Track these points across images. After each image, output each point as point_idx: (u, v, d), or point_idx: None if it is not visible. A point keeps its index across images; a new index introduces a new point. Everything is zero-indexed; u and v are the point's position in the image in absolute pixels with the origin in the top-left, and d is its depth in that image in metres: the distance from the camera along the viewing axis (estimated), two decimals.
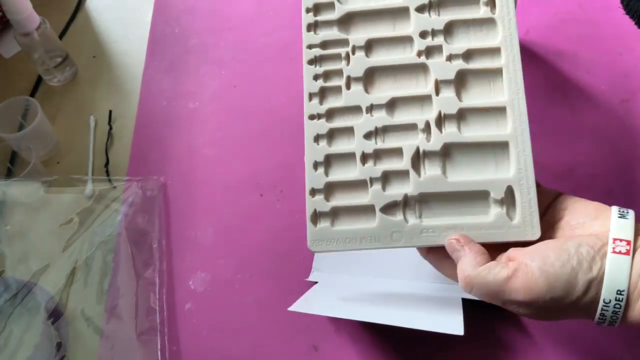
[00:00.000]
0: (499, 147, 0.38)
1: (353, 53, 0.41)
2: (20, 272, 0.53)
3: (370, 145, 0.39)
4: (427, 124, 0.39)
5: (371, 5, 0.42)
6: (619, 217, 0.33)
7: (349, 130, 0.40)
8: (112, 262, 0.54)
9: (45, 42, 0.62)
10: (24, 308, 0.52)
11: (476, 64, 0.39)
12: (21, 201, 0.57)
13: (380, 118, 0.39)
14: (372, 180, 0.39)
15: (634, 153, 0.54)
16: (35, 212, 0.57)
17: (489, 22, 0.40)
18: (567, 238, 0.34)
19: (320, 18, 0.42)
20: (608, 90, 0.58)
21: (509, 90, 0.38)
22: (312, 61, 0.41)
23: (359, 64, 0.41)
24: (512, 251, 0.35)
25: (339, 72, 0.41)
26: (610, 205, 0.35)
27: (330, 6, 0.42)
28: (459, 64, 0.39)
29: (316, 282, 0.51)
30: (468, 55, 0.40)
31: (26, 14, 0.59)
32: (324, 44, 0.41)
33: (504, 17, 0.40)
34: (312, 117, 0.40)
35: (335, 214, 0.39)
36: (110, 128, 0.63)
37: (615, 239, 0.32)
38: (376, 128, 0.39)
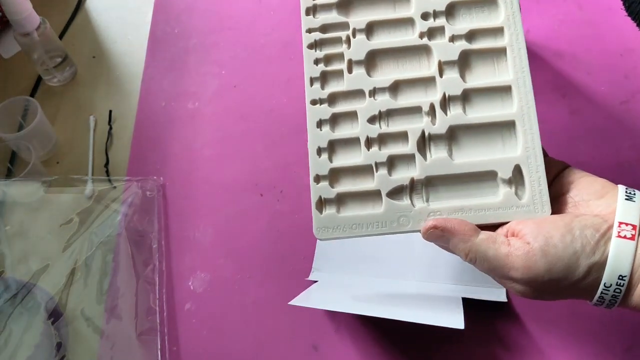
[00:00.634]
0: (506, 127, 0.38)
1: (354, 36, 0.40)
2: (20, 272, 0.53)
3: (374, 130, 0.39)
4: (432, 107, 0.38)
5: None
6: (625, 198, 0.33)
7: (352, 115, 0.39)
8: (112, 262, 0.54)
9: (45, 42, 0.62)
10: (23, 308, 0.52)
11: (479, 44, 0.39)
12: (21, 201, 0.57)
13: (384, 101, 0.39)
14: (378, 165, 0.38)
15: (634, 153, 0.54)
16: (35, 212, 0.57)
17: (490, 3, 0.40)
18: (573, 216, 0.33)
19: (318, 1, 0.41)
20: (608, 91, 0.58)
21: (513, 68, 0.38)
22: (312, 45, 0.41)
23: (360, 46, 0.40)
24: (515, 224, 0.35)
25: (340, 56, 0.40)
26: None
27: None
28: (462, 45, 0.39)
29: (316, 282, 0.51)
30: (471, 35, 0.39)
31: (26, 14, 0.58)
32: (324, 28, 0.41)
33: None
34: (314, 102, 0.40)
35: (341, 200, 0.38)
36: (110, 128, 0.63)
37: (620, 223, 0.32)
38: (380, 112, 0.39)
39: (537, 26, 0.61)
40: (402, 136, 0.38)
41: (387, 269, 0.51)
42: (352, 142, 0.39)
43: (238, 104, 0.63)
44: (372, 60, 0.40)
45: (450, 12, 0.40)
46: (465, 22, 0.40)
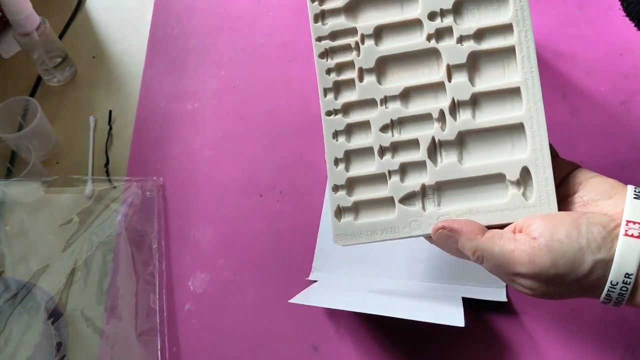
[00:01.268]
0: (515, 130, 0.38)
1: (362, 42, 0.40)
2: (20, 273, 0.53)
3: (387, 138, 0.40)
4: (442, 113, 0.39)
5: None
6: (634, 197, 0.33)
7: (365, 125, 0.40)
8: (112, 262, 0.54)
9: (45, 42, 0.62)
10: (23, 308, 0.52)
11: (488, 44, 0.39)
12: (21, 201, 0.57)
13: (395, 110, 0.40)
14: (391, 172, 0.39)
15: (633, 154, 0.54)
16: (35, 212, 0.57)
17: None
18: (581, 213, 0.33)
19: (326, 7, 0.41)
20: (608, 91, 0.58)
21: (522, 69, 0.38)
22: (324, 54, 0.41)
23: (370, 54, 0.40)
24: (523, 220, 0.35)
25: (350, 64, 0.41)
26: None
27: None
28: (470, 46, 0.39)
29: (315, 282, 0.51)
30: (479, 35, 0.39)
31: (26, 14, 0.59)
32: (333, 35, 0.41)
33: None
34: (329, 114, 0.41)
35: (357, 208, 0.40)
36: (110, 128, 0.63)
37: (628, 221, 0.32)
38: (392, 120, 0.40)
39: (537, 26, 0.61)
40: (414, 144, 0.39)
41: (387, 269, 0.51)
42: (366, 151, 0.40)
43: (237, 104, 0.63)
44: (382, 67, 0.41)
45: (457, 9, 0.39)
46: (473, 20, 0.39)
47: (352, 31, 0.41)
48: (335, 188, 0.40)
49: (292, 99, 0.62)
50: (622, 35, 0.61)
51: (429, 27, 0.39)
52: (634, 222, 0.32)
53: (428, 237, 0.39)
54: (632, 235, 0.31)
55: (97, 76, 0.67)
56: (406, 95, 0.40)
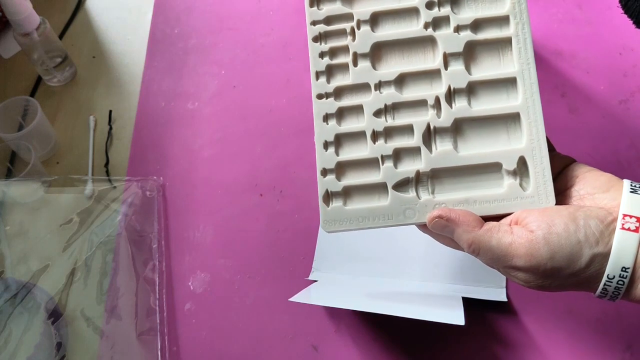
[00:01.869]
0: (511, 119, 0.38)
1: (358, 28, 0.40)
2: (20, 273, 0.53)
3: (380, 123, 0.39)
4: (437, 100, 0.38)
5: None
6: (630, 191, 0.33)
7: (358, 109, 0.39)
8: (112, 262, 0.54)
9: (45, 42, 0.62)
10: (23, 308, 0.52)
11: (485, 34, 0.39)
12: (21, 201, 0.57)
13: (390, 95, 0.39)
14: (384, 157, 0.38)
15: (632, 152, 0.54)
16: (35, 212, 0.57)
17: None
18: (578, 207, 0.33)
19: None
20: (607, 90, 0.58)
21: (518, 60, 0.38)
22: (317, 38, 0.40)
23: (365, 39, 0.40)
24: (520, 212, 0.35)
25: (345, 49, 0.40)
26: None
27: None
28: (467, 35, 0.39)
29: (316, 282, 0.51)
30: (476, 25, 0.39)
31: (26, 14, 0.59)
32: (328, 20, 0.41)
33: None
34: (320, 97, 0.40)
35: (348, 193, 0.39)
36: (110, 128, 0.63)
37: (625, 215, 0.32)
38: (385, 105, 0.39)
39: (536, 25, 0.61)
40: (408, 129, 0.38)
41: (387, 269, 0.51)
42: (359, 135, 0.39)
43: (238, 104, 0.63)
44: (377, 52, 0.40)
45: (455, 0, 0.39)
46: (470, 11, 0.39)
47: (348, 16, 0.40)
48: (324, 172, 0.39)
49: (292, 99, 0.62)
50: (621, 34, 0.61)
51: (427, 15, 0.39)
52: (631, 216, 0.32)
53: (421, 226, 0.38)
54: (628, 229, 0.31)
55: (97, 76, 0.67)
56: (401, 81, 0.39)
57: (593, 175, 0.35)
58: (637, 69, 0.59)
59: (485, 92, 0.38)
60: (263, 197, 0.57)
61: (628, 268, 0.31)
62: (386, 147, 0.38)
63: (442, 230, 0.36)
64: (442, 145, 0.38)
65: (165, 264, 0.55)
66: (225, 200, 0.57)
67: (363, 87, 0.40)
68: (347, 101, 0.40)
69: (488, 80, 0.38)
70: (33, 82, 0.67)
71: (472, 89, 0.38)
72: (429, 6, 0.39)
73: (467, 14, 0.39)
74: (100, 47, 0.70)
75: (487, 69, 0.39)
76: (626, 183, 0.34)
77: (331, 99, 0.40)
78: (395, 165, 0.38)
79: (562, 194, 0.36)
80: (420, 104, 0.39)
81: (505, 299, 0.48)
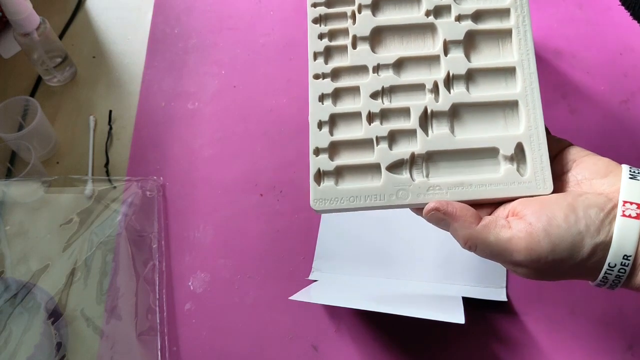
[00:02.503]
0: (509, 107, 0.38)
1: (359, 12, 0.40)
2: (20, 273, 0.53)
3: (376, 105, 0.38)
4: (435, 84, 0.38)
5: None
6: (629, 177, 0.32)
7: (354, 90, 0.39)
8: (112, 262, 0.54)
9: (45, 42, 0.62)
10: (23, 308, 0.52)
11: (485, 25, 0.39)
12: (21, 201, 0.57)
13: (387, 78, 0.39)
14: (379, 139, 0.38)
15: (633, 153, 0.54)
16: (35, 212, 0.57)
17: None
18: (576, 195, 0.33)
19: None
20: (607, 90, 0.58)
21: (518, 51, 0.38)
22: (317, 20, 0.40)
23: (366, 22, 0.40)
24: (518, 203, 0.34)
25: (344, 31, 0.40)
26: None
27: None
28: (468, 25, 0.39)
29: (316, 281, 0.51)
30: (477, 15, 0.39)
31: (26, 14, 0.58)
32: (329, 3, 0.41)
33: None
34: (316, 77, 0.40)
35: (340, 173, 0.38)
36: (110, 128, 0.63)
37: (625, 202, 0.31)
38: (383, 88, 0.39)
39: (536, 25, 0.61)
40: (405, 112, 0.38)
41: (387, 270, 0.51)
42: (354, 116, 0.39)
43: (238, 104, 0.63)
44: (377, 36, 0.40)
45: None
46: (472, 2, 0.40)
47: (350, 1, 0.40)
48: (317, 151, 0.38)
49: (292, 99, 0.62)
50: (621, 34, 0.61)
51: (428, 3, 0.40)
52: (631, 203, 0.31)
53: (416, 209, 0.38)
54: (629, 216, 0.31)
55: (97, 76, 0.67)
56: (400, 65, 0.39)
57: (591, 160, 0.35)
58: (637, 69, 0.59)
59: (484, 80, 0.38)
60: (263, 197, 0.57)
61: (630, 256, 0.30)
62: (381, 128, 0.38)
63: (438, 223, 0.35)
64: (439, 129, 0.38)
65: (165, 264, 0.55)
66: (225, 200, 0.57)
67: (361, 70, 0.39)
68: (344, 82, 0.39)
69: (487, 68, 0.38)
70: (33, 82, 0.67)
71: (471, 76, 0.38)
72: None
73: (468, 5, 0.39)
74: (100, 47, 0.70)
75: (486, 57, 0.39)
76: (625, 168, 0.33)
77: (328, 80, 0.39)
78: (390, 147, 0.38)
79: (558, 179, 0.35)
80: (419, 87, 0.38)
81: (505, 299, 0.48)
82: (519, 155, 0.37)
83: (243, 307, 0.52)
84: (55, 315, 0.51)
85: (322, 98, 0.39)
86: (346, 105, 0.39)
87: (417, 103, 0.38)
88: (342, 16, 0.40)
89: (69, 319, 0.52)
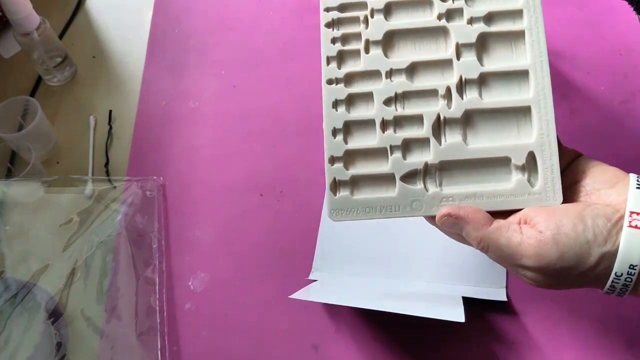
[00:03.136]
0: (521, 112, 0.38)
1: (372, 16, 0.40)
2: (20, 272, 0.53)
3: (390, 112, 0.39)
4: (448, 90, 0.38)
5: None
6: (636, 187, 0.33)
7: (368, 96, 0.39)
8: (112, 262, 0.54)
9: (45, 42, 0.62)
10: (23, 308, 0.52)
11: (498, 27, 0.39)
12: (21, 201, 0.57)
13: (400, 83, 0.39)
14: (392, 148, 0.38)
15: (633, 153, 0.54)
16: (35, 212, 0.57)
17: None
18: (585, 205, 0.33)
19: None
20: (607, 90, 0.58)
21: (531, 53, 0.38)
22: (330, 24, 0.41)
23: (378, 27, 0.40)
24: (528, 211, 0.35)
25: (357, 36, 0.40)
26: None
27: None
28: (480, 27, 0.39)
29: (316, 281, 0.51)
30: (489, 17, 0.39)
31: (26, 14, 0.58)
32: (342, 7, 0.41)
33: None
34: (330, 82, 0.40)
35: (355, 182, 0.38)
36: (110, 128, 0.63)
37: (632, 212, 0.32)
38: (396, 94, 0.39)
39: None
40: (418, 119, 0.38)
41: (387, 269, 0.51)
42: (368, 123, 0.39)
43: (238, 104, 0.63)
44: (389, 40, 0.40)
45: None
46: (484, 4, 0.39)
47: (362, 5, 0.41)
48: (332, 160, 0.39)
49: (292, 99, 0.62)
50: (621, 34, 0.61)
51: (440, 7, 0.40)
52: (637, 213, 0.32)
53: (429, 218, 0.38)
54: (636, 227, 0.31)
55: (97, 76, 0.67)
56: (412, 69, 0.39)
57: (599, 170, 0.35)
58: (637, 69, 0.59)
59: (496, 84, 0.38)
60: (263, 197, 0.57)
61: (636, 266, 0.31)
62: (395, 137, 0.38)
63: (451, 227, 0.36)
64: (452, 137, 0.38)
65: (165, 264, 0.55)
66: (225, 200, 0.57)
67: (374, 74, 0.40)
68: (357, 88, 0.39)
69: (500, 72, 0.38)
70: (33, 82, 0.67)
71: (483, 80, 0.38)
72: None
73: (480, 7, 0.39)
74: (100, 47, 0.70)
75: (499, 60, 0.39)
76: (632, 178, 0.34)
77: (341, 85, 0.40)
78: (404, 156, 0.38)
79: (568, 189, 0.36)
80: (431, 93, 0.39)
81: (505, 299, 0.48)
82: (530, 164, 0.37)
83: (243, 307, 0.52)
84: (55, 315, 0.51)
85: (335, 104, 0.39)
86: (360, 111, 0.39)
87: (429, 110, 0.38)
88: (355, 20, 0.41)
89: (69, 319, 0.52)
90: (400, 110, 0.39)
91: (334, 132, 0.39)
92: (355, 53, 0.40)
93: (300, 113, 0.61)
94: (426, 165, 0.38)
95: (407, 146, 0.38)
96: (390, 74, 0.39)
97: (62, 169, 0.61)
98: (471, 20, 0.39)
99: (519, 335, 0.48)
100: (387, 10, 0.41)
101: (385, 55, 0.40)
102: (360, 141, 0.39)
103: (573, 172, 0.36)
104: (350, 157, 0.39)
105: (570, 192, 0.36)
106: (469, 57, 0.39)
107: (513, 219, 0.36)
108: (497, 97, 0.38)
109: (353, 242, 0.53)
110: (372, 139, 0.39)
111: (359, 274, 0.52)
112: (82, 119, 0.64)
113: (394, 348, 0.48)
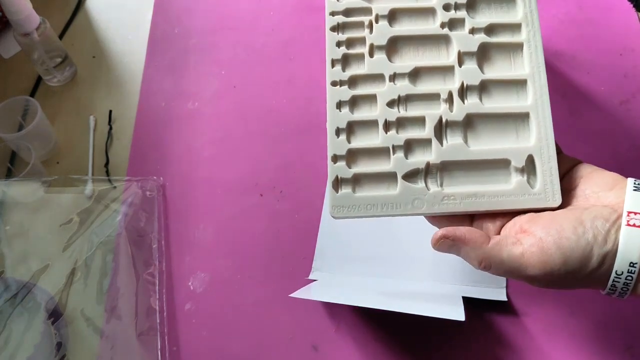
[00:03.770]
0: (520, 118, 0.39)
1: (376, 22, 0.41)
2: (20, 272, 0.53)
3: (393, 113, 0.39)
4: (450, 94, 0.39)
5: None
6: (634, 189, 0.33)
7: (371, 98, 0.40)
8: (112, 262, 0.54)
9: (45, 42, 0.62)
10: (23, 308, 0.52)
11: (498, 38, 0.40)
12: (21, 201, 0.57)
13: (404, 87, 0.40)
14: (395, 147, 0.39)
15: (633, 154, 0.54)
16: (35, 212, 0.57)
17: (509, 0, 0.41)
18: (583, 209, 0.34)
19: None
20: (607, 91, 0.58)
21: (529, 64, 0.39)
22: (335, 28, 0.41)
23: (382, 32, 0.41)
24: (525, 222, 0.35)
25: (361, 40, 0.41)
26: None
27: None
28: (481, 37, 0.40)
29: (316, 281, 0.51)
30: (490, 29, 0.40)
31: (26, 14, 0.58)
32: (347, 12, 0.42)
33: None
34: (334, 84, 0.40)
35: (357, 180, 0.39)
36: (110, 128, 0.63)
37: (629, 212, 0.32)
38: (399, 96, 0.40)
39: None
40: (420, 121, 0.39)
41: (387, 269, 0.51)
42: (371, 124, 0.40)
43: (238, 104, 0.63)
44: (393, 46, 0.41)
45: (471, 5, 0.41)
46: (485, 16, 0.41)
47: (367, 11, 0.42)
48: (335, 158, 0.39)
49: (292, 99, 0.62)
50: (621, 35, 0.61)
51: (443, 16, 0.41)
52: (635, 213, 0.32)
53: (430, 219, 0.39)
54: (634, 225, 0.32)
55: (97, 76, 0.67)
56: (416, 74, 0.40)
57: (598, 175, 0.36)
58: (637, 69, 0.59)
59: (496, 91, 0.40)
60: (263, 197, 0.57)
61: (635, 263, 0.31)
62: (398, 137, 0.39)
63: (449, 249, 0.36)
64: (453, 139, 0.39)
65: (165, 264, 0.55)
66: (225, 200, 0.57)
67: (378, 78, 0.40)
68: (361, 90, 0.40)
69: (500, 80, 0.40)
70: (33, 82, 0.67)
71: (484, 87, 0.40)
72: (446, 8, 0.41)
73: (482, 19, 0.41)
74: (100, 47, 0.70)
75: (499, 69, 0.40)
76: (630, 181, 0.34)
77: (345, 87, 0.40)
78: (406, 156, 0.39)
79: (567, 194, 0.36)
80: (434, 97, 0.40)
81: (505, 299, 0.48)
82: (529, 167, 0.38)
83: (243, 307, 0.52)
84: (55, 315, 0.51)
85: (339, 105, 0.40)
86: (363, 113, 0.40)
87: (432, 112, 0.39)
88: (360, 25, 0.41)
89: (69, 319, 0.52)
90: (403, 112, 0.40)
91: (338, 131, 0.40)
92: (360, 57, 0.41)
93: (300, 113, 0.61)
94: (428, 164, 0.38)
95: (409, 146, 0.39)
96: (393, 77, 0.40)
97: (62, 169, 0.61)
98: (473, 31, 0.40)
99: (519, 335, 0.48)
100: (392, 17, 0.42)
101: (389, 59, 0.41)
102: (363, 141, 0.39)
103: (572, 177, 0.37)
104: (352, 155, 0.39)
105: (569, 196, 0.36)
106: (471, 64, 0.40)
107: (509, 231, 0.36)
108: (497, 103, 0.39)
109: (353, 242, 0.53)
110: (374, 138, 0.39)
111: (359, 273, 0.52)
112: (82, 119, 0.64)
113: (394, 348, 0.48)
